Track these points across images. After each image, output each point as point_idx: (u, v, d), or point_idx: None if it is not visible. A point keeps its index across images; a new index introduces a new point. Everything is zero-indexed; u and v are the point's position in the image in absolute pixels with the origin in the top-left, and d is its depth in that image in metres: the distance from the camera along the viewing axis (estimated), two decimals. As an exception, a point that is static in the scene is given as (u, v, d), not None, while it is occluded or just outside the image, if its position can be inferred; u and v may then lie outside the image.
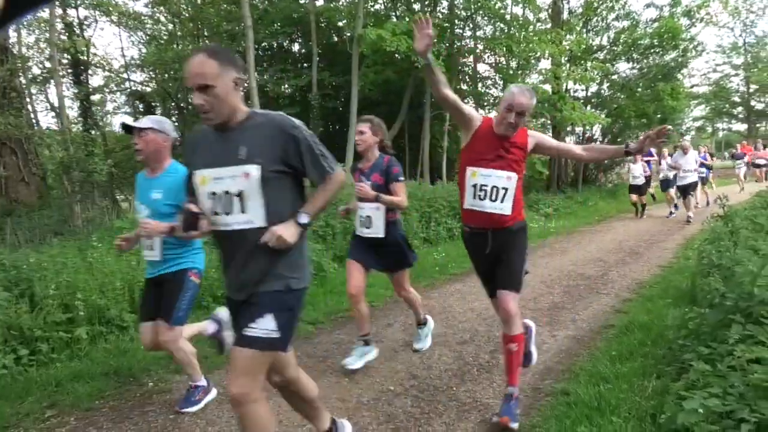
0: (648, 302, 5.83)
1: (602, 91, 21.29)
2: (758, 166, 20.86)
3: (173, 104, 20.60)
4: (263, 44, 18.66)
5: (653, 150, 16.24)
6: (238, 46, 17.88)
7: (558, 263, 8.37)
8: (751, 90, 38.46)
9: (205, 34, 19.98)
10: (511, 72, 18.27)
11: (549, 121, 19.36)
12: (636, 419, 3.19)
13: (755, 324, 3.07)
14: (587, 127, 19.31)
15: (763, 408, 2.36)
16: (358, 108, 14.83)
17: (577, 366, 4.22)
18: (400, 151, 18.22)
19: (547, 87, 18.08)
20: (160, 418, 3.62)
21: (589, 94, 21.01)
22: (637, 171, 13.88)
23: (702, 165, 14.17)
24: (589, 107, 19.63)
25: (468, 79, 19.33)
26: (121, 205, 16.24)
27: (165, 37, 20.34)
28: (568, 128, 19.97)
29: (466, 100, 19.42)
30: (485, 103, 19.81)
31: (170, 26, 20.43)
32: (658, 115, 20.48)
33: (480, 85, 19.60)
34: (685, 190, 12.79)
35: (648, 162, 14.53)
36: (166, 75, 19.41)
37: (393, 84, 17.23)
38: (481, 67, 19.71)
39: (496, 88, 19.56)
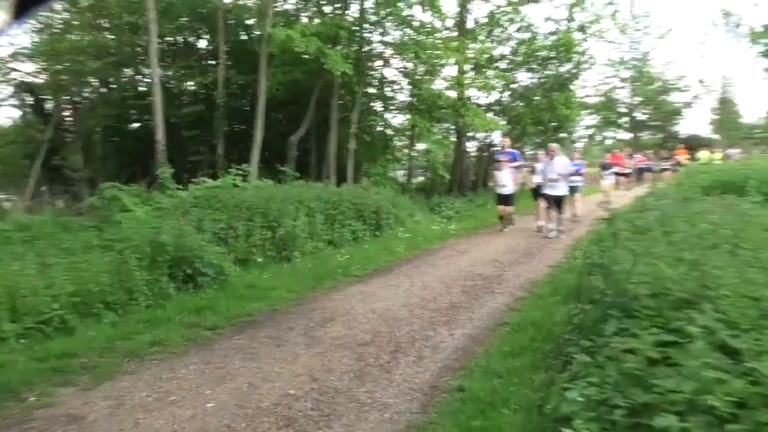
0: (539, 300, 6.13)
1: (503, 99, 22.16)
2: (623, 174, 20.83)
3: (68, 98, 19.40)
4: (167, 39, 17.96)
5: (517, 153, 15.17)
6: (141, 40, 17.12)
7: (457, 264, 8.61)
8: (635, 102, 41.58)
9: (105, 24, 18.98)
10: (418, 77, 18.63)
11: (453, 126, 19.92)
12: (525, 411, 3.35)
13: (629, 318, 3.31)
14: (488, 133, 20.04)
15: (634, 395, 2.55)
16: (266, 108, 14.61)
17: (472, 363, 4.37)
18: (306, 152, 18.12)
19: (452, 93, 18.58)
20: (42, 435, 3.40)
21: (491, 101, 21.81)
22: (504, 179, 11.94)
23: (576, 174, 12.68)
24: (490, 113, 20.36)
25: (376, 83, 19.52)
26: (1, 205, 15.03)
27: (60, 26, 19.12)
28: (470, 133, 20.63)
29: (372, 104, 19.68)
30: (392, 107, 20.10)
31: (65, 14, 19.24)
32: (553, 123, 21.60)
33: (387, 89, 19.85)
34: (557, 202, 11.12)
35: (517, 168, 12.95)
36: (59, 66, 18.25)
37: (301, 85, 17.07)
38: (389, 72, 19.96)
39: (404, 93, 19.90)
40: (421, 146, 20.72)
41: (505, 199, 12.14)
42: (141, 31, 16.63)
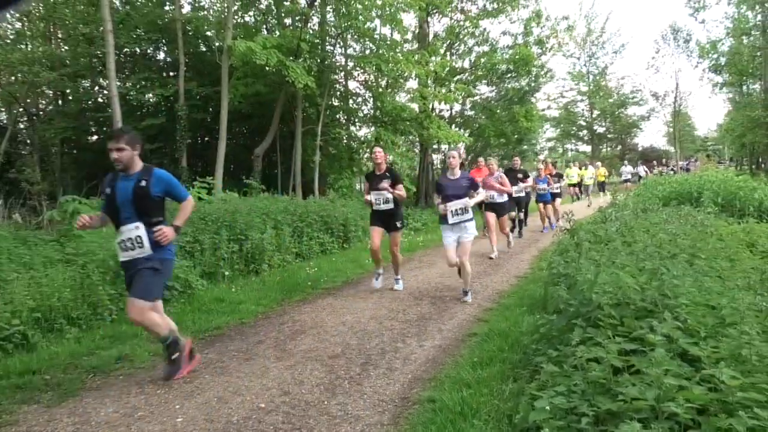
0: (506, 311, 6.22)
1: (465, 111, 22.50)
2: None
3: (22, 109, 18.93)
4: (125, 50, 17.75)
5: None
6: (98, 50, 16.86)
7: (426, 276, 8.68)
8: (594, 115, 42.67)
9: (59, 36, 18.63)
10: (380, 90, 18.79)
11: (417, 139, 20.13)
12: (495, 421, 3.40)
13: (594, 327, 3.42)
14: (452, 145, 20.29)
15: (600, 402, 2.64)
16: (228, 120, 14.53)
17: (442, 374, 4.41)
18: (272, 165, 18.05)
19: (415, 106, 18.81)
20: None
21: (453, 113, 22.11)
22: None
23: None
24: (453, 126, 20.64)
25: (339, 95, 19.61)
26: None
27: (11, 37, 18.68)
28: (434, 146, 20.88)
29: (336, 116, 19.77)
30: (356, 120, 20.21)
31: (17, 24, 18.84)
32: (515, 136, 22.00)
33: (351, 101, 19.98)
34: None
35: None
36: (13, 78, 17.82)
37: (264, 97, 17.08)
38: (352, 84, 20.10)
39: (366, 105, 20.04)
40: (386, 159, 21.02)
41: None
42: (97, 42, 16.40)
